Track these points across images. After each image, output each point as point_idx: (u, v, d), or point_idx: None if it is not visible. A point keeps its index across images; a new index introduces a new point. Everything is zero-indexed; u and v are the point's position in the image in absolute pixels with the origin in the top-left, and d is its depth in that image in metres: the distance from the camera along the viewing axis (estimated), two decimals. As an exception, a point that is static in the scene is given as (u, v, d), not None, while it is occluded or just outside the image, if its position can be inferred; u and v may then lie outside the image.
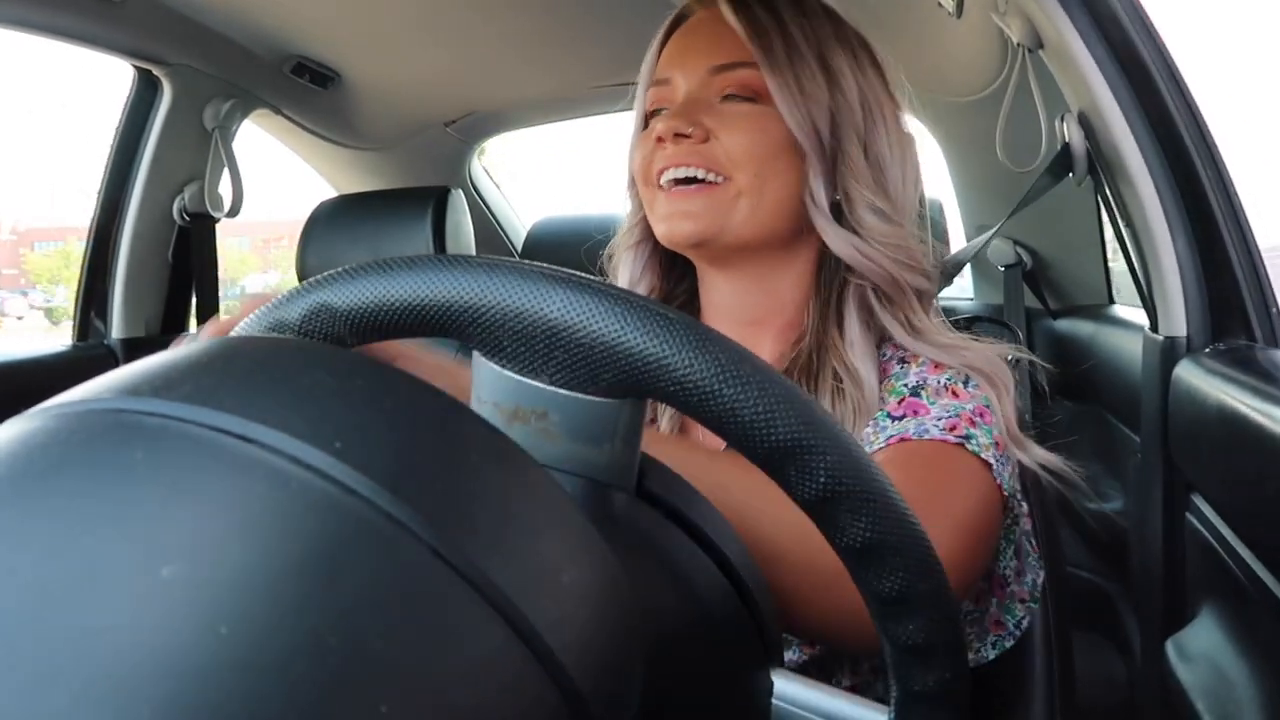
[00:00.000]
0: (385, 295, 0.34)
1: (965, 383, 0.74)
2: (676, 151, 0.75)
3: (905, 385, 0.75)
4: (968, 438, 0.68)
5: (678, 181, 0.75)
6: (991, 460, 0.67)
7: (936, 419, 0.69)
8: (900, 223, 0.78)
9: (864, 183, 0.77)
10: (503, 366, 0.35)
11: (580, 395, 0.34)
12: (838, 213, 0.78)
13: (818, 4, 0.80)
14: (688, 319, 0.33)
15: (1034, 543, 0.76)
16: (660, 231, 0.77)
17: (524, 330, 0.34)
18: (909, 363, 0.78)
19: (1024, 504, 0.73)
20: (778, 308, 0.81)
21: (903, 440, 0.68)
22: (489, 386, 0.36)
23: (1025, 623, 0.77)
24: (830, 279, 0.80)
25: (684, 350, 0.32)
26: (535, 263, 0.35)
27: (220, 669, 0.19)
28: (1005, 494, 0.68)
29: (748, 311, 0.82)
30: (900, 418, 0.71)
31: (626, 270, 0.86)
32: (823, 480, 0.32)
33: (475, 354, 0.36)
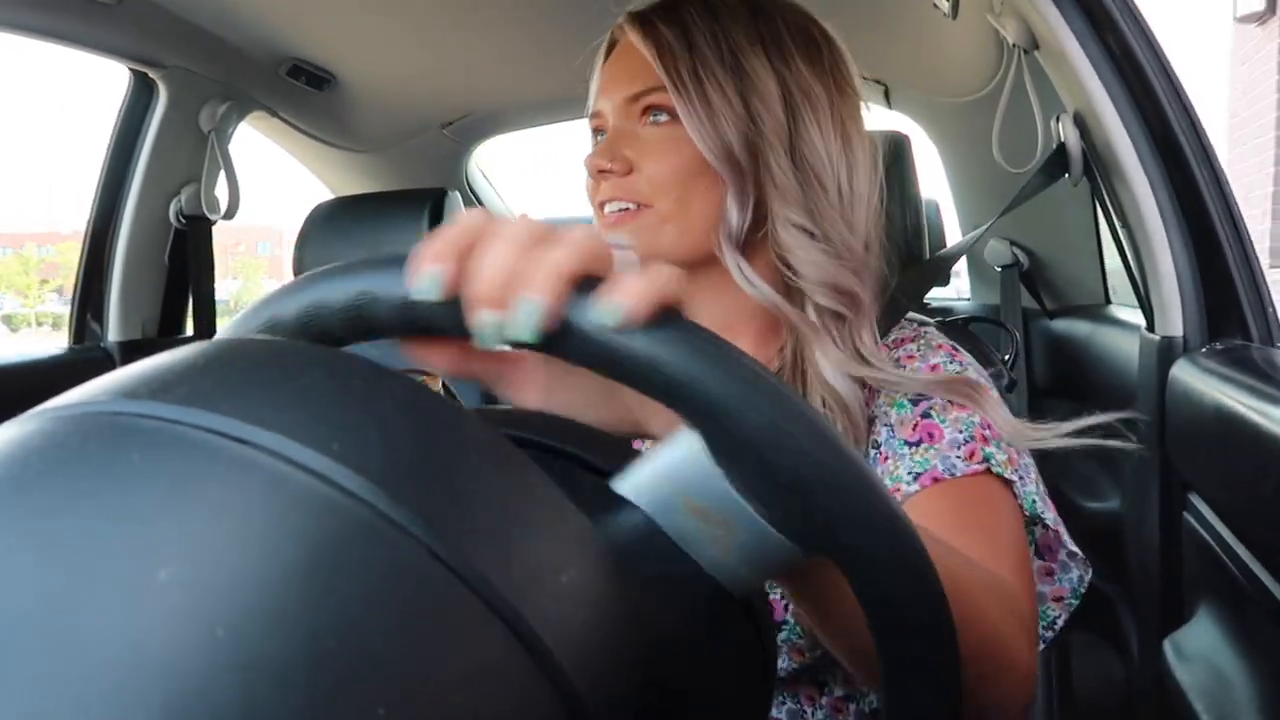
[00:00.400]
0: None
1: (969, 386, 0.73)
2: (605, 187, 0.78)
3: (908, 399, 0.73)
4: (988, 459, 0.69)
5: (605, 210, 0.78)
6: (1013, 478, 0.69)
7: (955, 446, 0.69)
8: (838, 238, 0.75)
9: (788, 197, 0.74)
10: (723, 468, 0.34)
11: (772, 531, 0.34)
12: (757, 230, 0.75)
13: (737, 1, 0.77)
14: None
15: (1066, 539, 0.74)
16: None
17: (765, 457, 0.32)
18: (904, 367, 0.77)
19: (1049, 509, 0.72)
20: (746, 315, 0.79)
21: (936, 481, 0.68)
22: (690, 476, 0.34)
23: (1060, 622, 0.75)
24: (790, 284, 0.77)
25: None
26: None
27: (218, 672, 0.19)
28: (1026, 513, 0.70)
29: (716, 319, 0.77)
30: (917, 444, 0.71)
31: None
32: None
33: (691, 438, 0.34)
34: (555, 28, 1.60)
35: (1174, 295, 0.98)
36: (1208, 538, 0.89)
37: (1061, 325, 1.87)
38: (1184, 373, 0.94)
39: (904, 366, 0.76)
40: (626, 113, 0.79)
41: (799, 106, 0.75)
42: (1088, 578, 0.75)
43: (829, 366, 0.73)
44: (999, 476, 0.68)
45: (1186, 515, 0.97)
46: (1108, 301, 1.82)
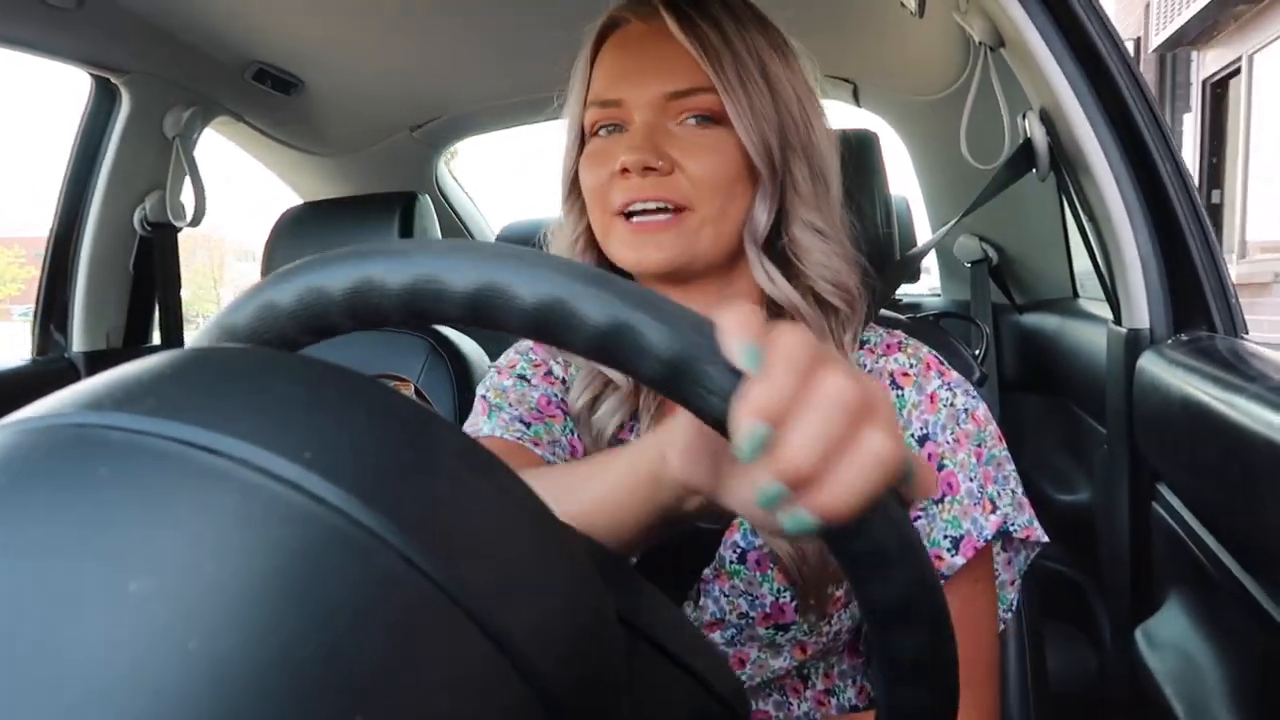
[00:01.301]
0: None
1: (958, 421, 0.76)
2: (642, 185, 0.73)
3: (914, 437, 0.75)
4: (995, 505, 0.74)
5: (640, 212, 0.74)
6: (1027, 535, 0.75)
7: (975, 501, 0.73)
8: (836, 238, 0.78)
9: (806, 200, 0.77)
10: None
11: None
12: (775, 233, 0.77)
13: (747, 8, 0.78)
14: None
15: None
16: (626, 260, 0.75)
17: None
18: (902, 388, 0.77)
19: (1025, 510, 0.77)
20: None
21: (977, 551, 0.72)
22: None
23: (1017, 601, 0.81)
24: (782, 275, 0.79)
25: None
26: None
27: (191, 684, 0.19)
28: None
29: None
30: (941, 500, 0.74)
31: None
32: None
33: None
34: (523, 30, 1.59)
35: (1140, 288, 1.00)
36: (1176, 527, 0.90)
37: (1031, 319, 1.89)
38: (1151, 364, 0.95)
39: (900, 389, 0.77)
40: (662, 109, 0.75)
41: (808, 112, 0.78)
42: (1034, 552, 0.79)
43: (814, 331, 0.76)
44: (1003, 532, 0.74)
45: (1155, 505, 0.99)
46: (1075, 295, 1.85)
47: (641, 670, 0.35)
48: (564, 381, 0.86)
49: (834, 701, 0.79)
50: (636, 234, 0.74)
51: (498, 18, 1.56)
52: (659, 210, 0.73)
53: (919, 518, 0.73)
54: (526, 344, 0.90)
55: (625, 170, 0.73)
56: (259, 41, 1.58)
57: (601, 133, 0.77)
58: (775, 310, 0.79)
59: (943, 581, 0.71)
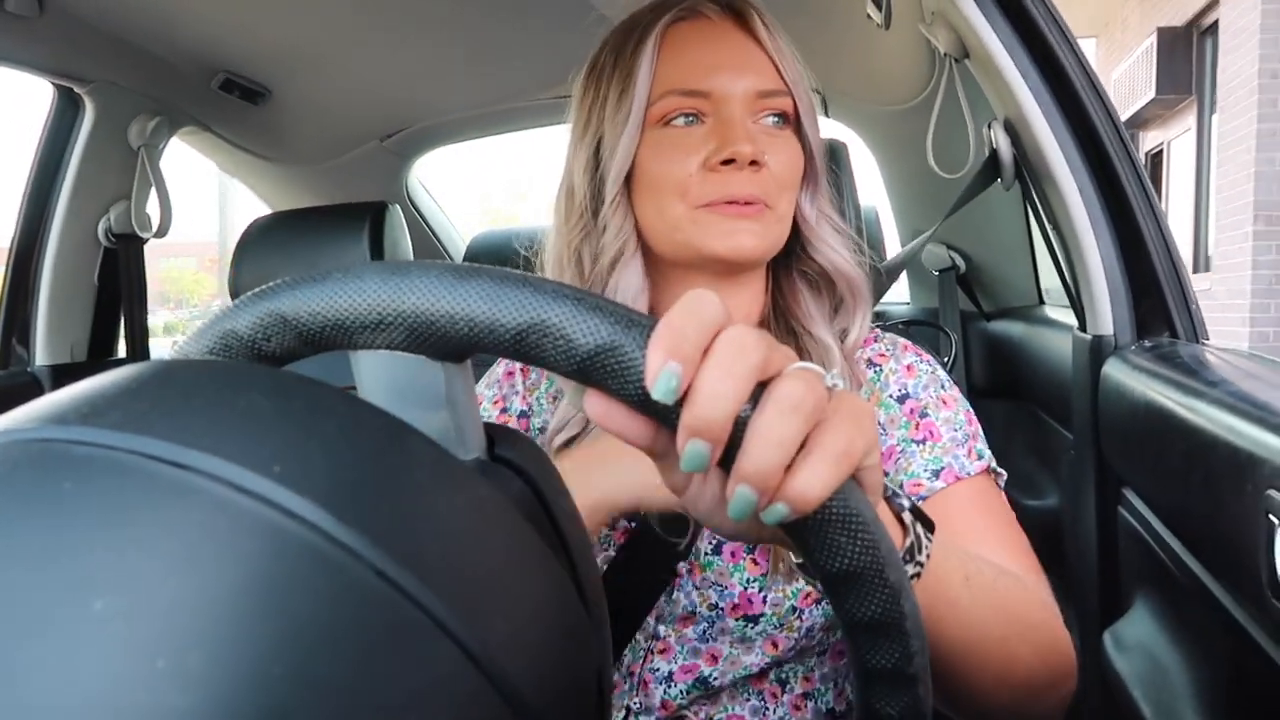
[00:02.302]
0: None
1: (942, 386, 0.81)
2: (748, 179, 0.74)
3: (892, 398, 0.79)
4: (981, 456, 0.77)
5: (730, 201, 0.75)
6: (1000, 471, 0.79)
7: (958, 445, 0.77)
8: (845, 230, 0.83)
9: (824, 196, 0.83)
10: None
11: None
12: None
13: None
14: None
15: None
16: (715, 248, 0.75)
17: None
18: (879, 365, 0.82)
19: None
20: (749, 305, 0.84)
21: (958, 479, 0.75)
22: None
23: None
24: (779, 273, 0.85)
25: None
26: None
27: (159, 705, 0.19)
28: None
29: (743, 310, 0.84)
30: (922, 441, 0.77)
31: (628, 284, 0.80)
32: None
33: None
34: (494, 40, 1.59)
35: (1103, 295, 1.01)
36: (1142, 531, 0.92)
37: (998, 327, 1.91)
38: (1115, 370, 0.97)
39: (878, 366, 0.82)
40: (750, 106, 0.76)
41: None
42: None
43: (813, 312, 0.82)
44: (995, 473, 0.78)
45: (1121, 510, 1.00)
46: (1041, 303, 1.87)
47: None
48: (522, 414, 0.88)
49: (812, 706, 0.79)
50: (728, 219, 0.75)
51: (468, 28, 1.56)
52: (748, 202, 0.75)
53: (899, 460, 0.76)
54: (493, 377, 0.91)
55: (728, 161, 0.73)
56: (226, 51, 1.57)
57: (678, 122, 0.77)
58: (780, 307, 0.83)
59: (922, 501, 0.74)
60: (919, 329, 1.94)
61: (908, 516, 0.51)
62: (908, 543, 0.50)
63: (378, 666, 0.22)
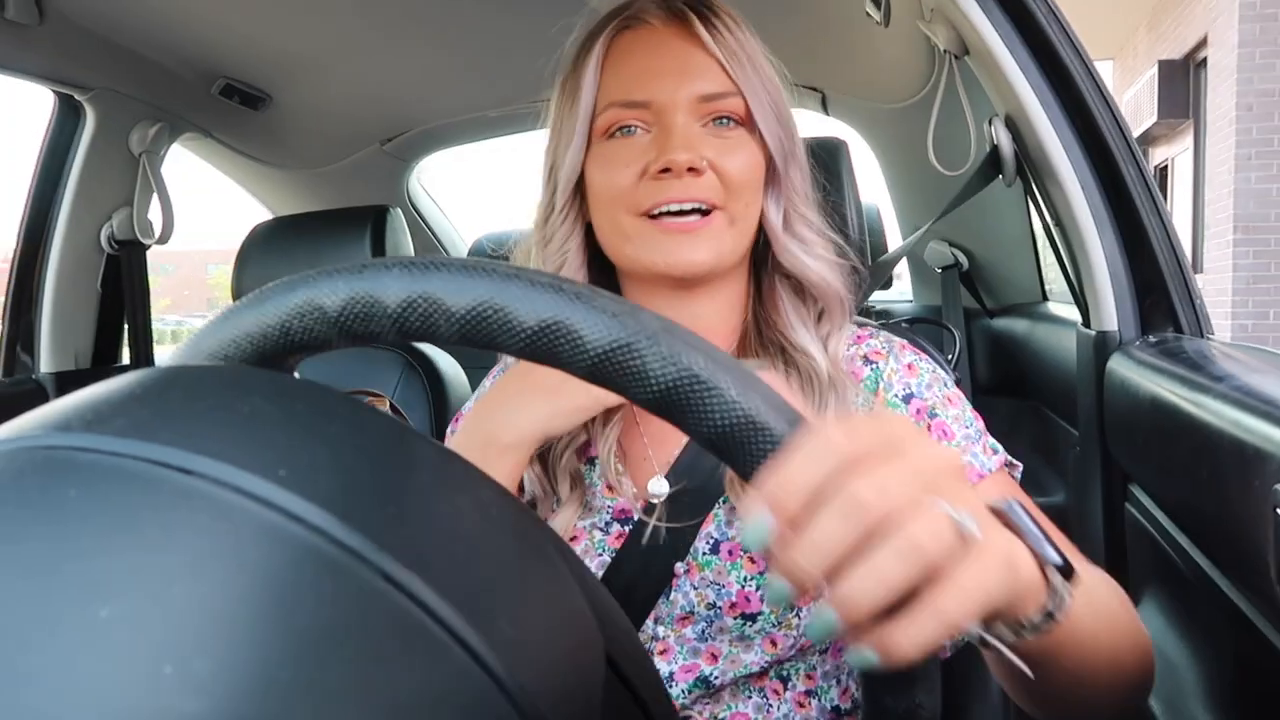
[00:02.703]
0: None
1: (945, 384, 0.81)
2: (682, 186, 0.73)
3: (898, 398, 0.79)
4: (997, 451, 0.77)
5: (673, 214, 0.74)
6: (1015, 463, 0.78)
7: (972, 442, 0.76)
8: (823, 236, 0.81)
9: (801, 198, 0.80)
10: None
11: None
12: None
13: (739, 15, 0.80)
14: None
15: None
16: (656, 263, 0.75)
17: None
18: (875, 362, 0.81)
19: None
20: (724, 315, 0.83)
21: (981, 478, 0.75)
22: None
23: None
24: (760, 276, 0.83)
25: None
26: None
27: (167, 710, 0.19)
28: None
29: (699, 323, 0.82)
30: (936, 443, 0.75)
31: None
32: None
33: None
34: (493, 44, 1.59)
35: (1107, 291, 1.01)
36: (1149, 527, 0.91)
37: (1001, 324, 1.91)
38: (1120, 366, 0.96)
39: (874, 363, 0.81)
40: (694, 111, 0.76)
41: (791, 115, 0.81)
42: None
43: (794, 320, 0.80)
44: (1009, 465, 0.78)
45: (1128, 506, 1.00)
46: (1045, 299, 1.87)
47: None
48: None
49: (815, 703, 0.79)
50: (668, 235, 0.75)
51: (468, 32, 1.56)
52: (691, 212, 0.74)
53: None
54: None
55: (664, 171, 0.73)
56: (226, 57, 1.57)
57: (618, 134, 0.77)
58: (759, 319, 0.82)
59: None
60: (922, 327, 1.94)
61: (1055, 577, 0.44)
62: (1050, 603, 0.44)
63: (384, 669, 0.22)
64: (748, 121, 0.77)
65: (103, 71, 1.48)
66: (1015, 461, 0.78)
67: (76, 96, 1.50)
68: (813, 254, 0.79)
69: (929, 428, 0.77)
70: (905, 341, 0.84)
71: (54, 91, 1.50)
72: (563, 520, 0.78)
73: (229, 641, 0.20)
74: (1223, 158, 7.26)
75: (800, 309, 0.80)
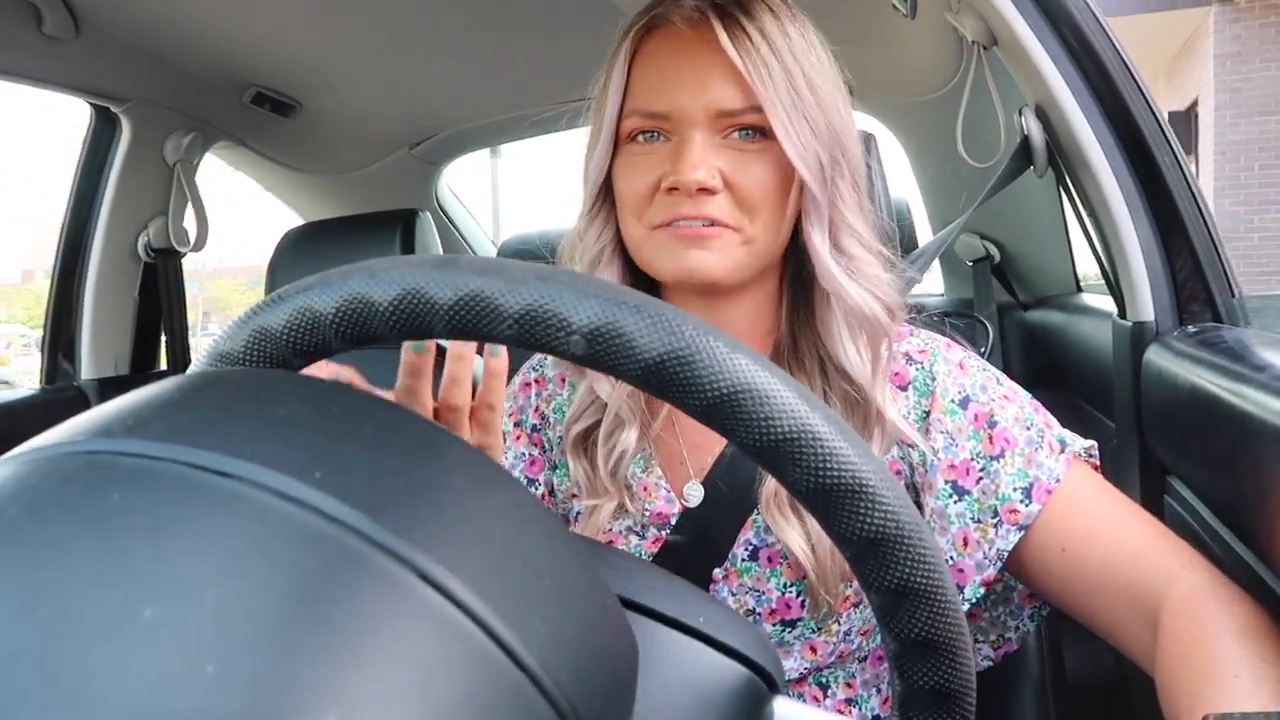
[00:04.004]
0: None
1: (998, 380, 0.78)
2: (696, 204, 0.71)
3: (954, 402, 0.75)
4: (1064, 445, 0.74)
5: (684, 220, 0.72)
6: (1089, 443, 0.76)
7: (1035, 448, 0.73)
8: (874, 245, 0.77)
9: (851, 211, 0.75)
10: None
11: None
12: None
13: (784, 5, 0.75)
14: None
15: None
16: (668, 269, 0.73)
17: None
18: (920, 361, 0.78)
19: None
20: (752, 319, 0.80)
21: (1049, 493, 0.71)
22: None
23: (1031, 622, 0.82)
24: (796, 281, 0.80)
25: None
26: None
27: (208, 709, 0.19)
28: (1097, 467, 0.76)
29: (727, 330, 0.80)
30: (1000, 455, 0.73)
31: None
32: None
33: None
34: (520, 47, 1.60)
35: (1143, 281, 0.99)
36: (1190, 519, 0.90)
37: (1035, 316, 1.89)
38: (1157, 357, 0.95)
39: (919, 363, 0.78)
40: (713, 124, 0.72)
41: (849, 122, 0.76)
42: None
43: (837, 332, 0.75)
44: (1081, 454, 0.75)
45: (1168, 499, 0.98)
46: (1079, 290, 1.84)
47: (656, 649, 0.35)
48: (535, 429, 0.87)
49: (856, 711, 0.78)
50: (680, 242, 0.72)
51: (494, 35, 1.57)
52: (705, 224, 0.72)
53: (981, 479, 0.73)
54: (511, 388, 0.90)
55: (674, 188, 0.71)
56: (256, 65, 1.59)
57: (640, 139, 0.75)
58: (796, 329, 0.79)
59: (1023, 533, 0.71)
60: (955, 320, 1.93)
61: None
62: None
63: (421, 670, 0.22)
64: (770, 134, 0.72)
65: (137, 83, 1.50)
66: (1088, 443, 0.76)
67: (112, 108, 1.53)
68: (860, 274, 0.74)
69: (990, 439, 0.73)
70: (947, 340, 0.82)
71: (90, 104, 1.53)
72: (600, 519, 0.78)
73: (268, 640, 0.20)
74: (1207, 188, 9.07)
75: (853, 325, 0.75)
